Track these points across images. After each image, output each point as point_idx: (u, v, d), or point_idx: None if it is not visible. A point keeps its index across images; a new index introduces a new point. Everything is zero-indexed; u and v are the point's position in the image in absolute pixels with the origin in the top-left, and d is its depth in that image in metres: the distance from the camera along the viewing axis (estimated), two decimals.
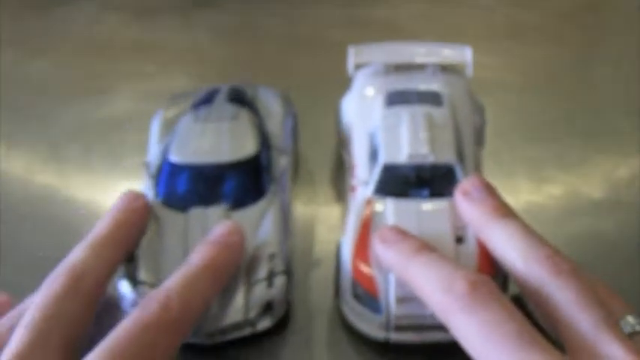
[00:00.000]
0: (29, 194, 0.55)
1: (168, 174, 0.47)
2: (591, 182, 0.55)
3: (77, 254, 0.39)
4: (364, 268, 0.42)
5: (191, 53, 0.70)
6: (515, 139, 0.58)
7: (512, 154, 0.57)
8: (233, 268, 0.41)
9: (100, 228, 0.41)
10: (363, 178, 0.47)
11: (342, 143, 0.53)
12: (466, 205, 0.42)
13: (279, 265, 0.43)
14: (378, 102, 0.50)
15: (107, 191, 0.55)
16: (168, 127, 0.52)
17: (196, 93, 0.55)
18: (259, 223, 0.45)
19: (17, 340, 0.35)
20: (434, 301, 0.36)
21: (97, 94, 0.64)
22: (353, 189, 0.48)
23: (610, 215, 0.52)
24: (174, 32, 0.73)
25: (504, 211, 0.41)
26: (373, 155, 0.47)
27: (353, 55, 0.53)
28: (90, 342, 0.35)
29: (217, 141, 0.48)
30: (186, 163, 0.47)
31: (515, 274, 0.38)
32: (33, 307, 0.36)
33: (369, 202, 0.45)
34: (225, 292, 0.42)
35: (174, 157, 0.47)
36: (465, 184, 0.43)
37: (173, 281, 0.38)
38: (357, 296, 0.42)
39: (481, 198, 0.42)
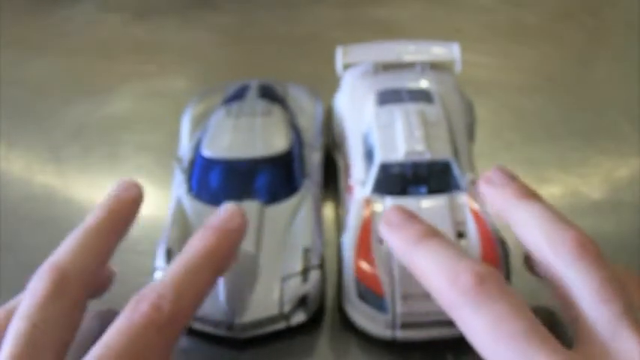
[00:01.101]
0: (29, 194, 0.55)
1: (201, 168, 0.48)
2: (591, 182, 0.55)
3: (61, 251, 0.38)
4: (367, 268, 0.42)
5: (191, 53, 0.70)
6: (514, 139, 0.58)
7: (511, 154, 0.57)
8: (232, 255, 0.40)
9: (90, 219, 0.40)
10: (360, 177, 0.47)
11: (334, 144, 0.53)
12: (489, 191, 0.41)
13: (313, 260, 0.43)
14: (369, 101, 0.50)
15: (107, 191, 0.55)
16: (198, 122, 0.53)
17: (224, 89, 0.56)
18: (293, 218, 0.45)
19: (7, 351, 0.33)
20: (439, 293, 0.35)
21: (97, 94, 0.64)
22: (349, 189, 0.48)
23: (610, 215, 0.52)
24: (174, 32, 0.73)
25: (528, 193, 0.40)
26: (368, 155, 0.47)
27: (341, 55, 0.54)
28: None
29: (250, 136, 0.48)
30: (219, 157, 0.47)
31: (540, 255, 0.37)
32: (19, 314, 0.35)
33: (367, 202, 0.45)
34: (261, 286, 0.42)
35: (207, 152, 0.48)
36: (488, 173, 0.42)
37: (167, 277, 0.36)
38: (361, 296, 0.42)
39: (504, 183, 0.40)
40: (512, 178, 0.41)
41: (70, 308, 0.36)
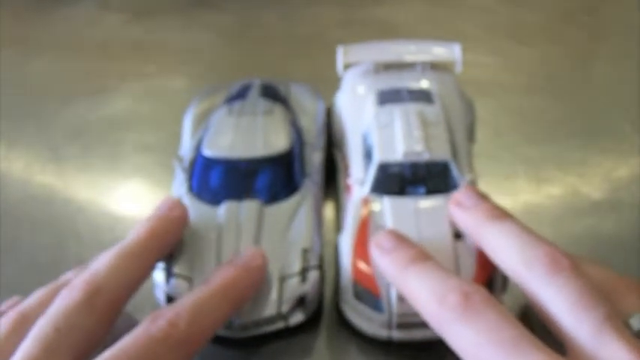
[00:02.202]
0: (29, 194, 0.55)
1: (201, 168, 0.48)
2: (591, 182, 0.55)
3: (100, 265, 0.37)
4: (364, 267, 0.42)
5: (191, 53, 0.70)
6: (514, 139, 0.58)
7: (511, 154, 0.57)
8: (251, 291, 0.41)
9: (132, 236, 0.40)
10: (358, 177, 0.47)
11: (335, 143, 0.54)
12: (460, 213, 0.41)
13: (312, 260, 0.43)
14: (370, 101, 0.50)
15: (107, 191, 0.55)
16: (200, 121, 0.53)
17: (227, 87, 0.56)
18: (292, 218, 0.45)
19: (24, 351, 0.33)
20: (428, 313, 0.36)
21: (97, 94, 0.64)
22: (348, 188, 0.48)
23: (610, 215, 0.52)
24: (174, 32, 0.73)
25: (498, 213, 0.40)
26: (367, 154, 0.48)
27: (342, 55, 0.54)
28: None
29: (251, 136, 0.49)
30: (220, 157, 0.48)
31: (515, 275, 0.37)
32: (45, 317, 0.35)
33: (365, 202, 0.45)
34: (258, 286, 0.42)
35: (208, 151, 0.48)
36: (457, 195, 0.42)
37: (186, 300, 0.37)
38: (358, 295, 0.42)
39: (474, 204, 0.41)
40: (482, 198, 0.41)
41: (98, 321, 0.36)
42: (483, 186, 0.49)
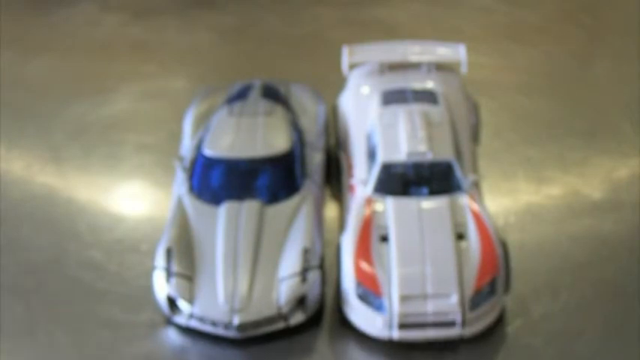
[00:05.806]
0: (29, 194, 0.55)
1: (202, 167, 0.48)
2: (591, 182, 0.55)
3: None
4: (366, 268, 0.42)
5: (191, 53, 0.70)
6: (514, 139, 0.58)
7: (512, 154, 0.57)
8: None
9: None
10: (362, 177, 0.47)
11: (338, 143, 0.54)
12: None
13: (312, 260, 0.44)
14: (374, 101, 0.51)
15: (107, 191, 0.55)
16: (201, 121, 0.53)
17: (227, 88, 0.56)
18: (293, 219, 0.46)
19: None
20: None
21: (97, 94, 0.64)
22: (351, 188, 0.48)
23: (610, 215, 0.52)
24: (174, 32, 0.73)
25: None
26: (371, 154, 0.48)
27: (347, 55, 0.54)
28: None
29: (252, 136, 0.49)
30: (221, 157, 0.48)
31: None
32: None
33: (368, 202, 0.45)
34: (259, 286, 0.43)
35: (209, 151, 0.48)
36: None
37: None
38: (360, 296, 0.43)
39: None
40: None
41: None
42: (484, 186, 0.49)
